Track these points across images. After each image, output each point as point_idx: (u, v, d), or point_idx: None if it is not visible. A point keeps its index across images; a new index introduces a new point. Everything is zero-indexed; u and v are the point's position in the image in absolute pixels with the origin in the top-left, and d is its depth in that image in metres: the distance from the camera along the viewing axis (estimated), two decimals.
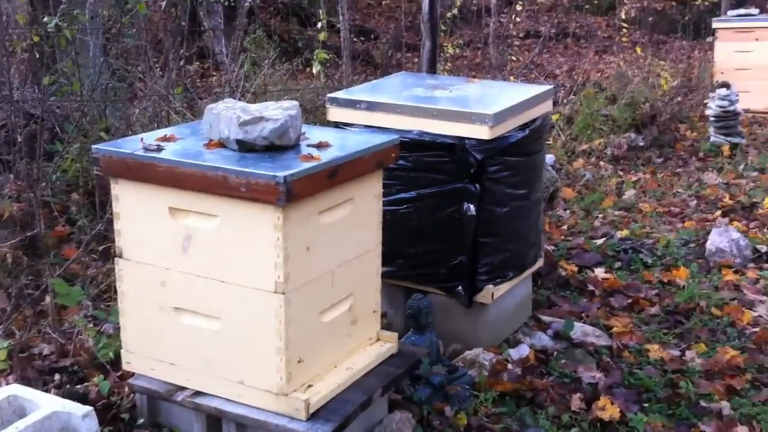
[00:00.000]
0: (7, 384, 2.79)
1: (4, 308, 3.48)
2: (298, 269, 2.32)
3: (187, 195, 2.34)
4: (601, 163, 6.35)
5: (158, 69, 5.55)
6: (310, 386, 2.43)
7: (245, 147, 2.38)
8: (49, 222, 4.20)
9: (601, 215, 5.21)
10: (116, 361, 2.83)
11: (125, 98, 4.92)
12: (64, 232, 4.15)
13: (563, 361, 3.29)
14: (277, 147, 2.41)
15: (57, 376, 2.97)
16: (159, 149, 2.38)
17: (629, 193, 5.64)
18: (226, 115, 2.39)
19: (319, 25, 6.02)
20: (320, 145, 2.46)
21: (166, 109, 4.86)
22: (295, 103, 2.49)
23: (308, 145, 2.46)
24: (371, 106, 3.25)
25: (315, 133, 2.60)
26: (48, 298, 3.30)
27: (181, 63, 5.93)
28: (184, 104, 5.06)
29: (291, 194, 2.18)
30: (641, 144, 6.77)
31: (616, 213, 5.27)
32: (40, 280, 3.59)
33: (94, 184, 4.27)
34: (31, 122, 4.54)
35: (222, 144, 2.43)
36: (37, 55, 4.88)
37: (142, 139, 2.45)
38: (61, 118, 4.96)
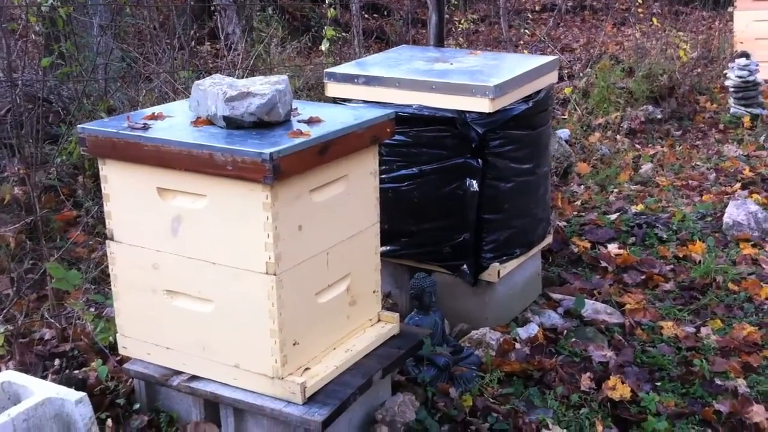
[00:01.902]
0: (7, 369, 2.77)
1: (7, 293, 3.45)
2: (289, 249, 2.25)
3: (175, 174, 2.27)
4: (618, 136, 6.22)
5: (168, 48, 5.49)
6: (306, 369, 2.37)
7: (233, 124, 2.31)
8: (56, 205, 4.17)
9: (616, 190, 5.09)
10: (115, 346, 2.78)
11: (130, 79, 4.86)
12: (70, 215, 4.13)
13: (573, 339, 3.21)
14: (266, 123, 2.33)
15: (57, 361, 2.94)
16: (145, 127, 2.31)
17: (646, 167, 5.51)
18: (213, 91, 2.32)
19: (327, 1, 5.90)
20: (311, 121, 2.37)
21: (172, 90, 4.80)
22: (284, 77, 2.41)
23: (299, 121, 2.38)
24: (369, 81, 3.16)
25: (307, 109, 2.52)
26: (49, 284, 3.27)
27: (192, 43, 5.87)
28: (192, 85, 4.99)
29: (278, 172, 2.11)
30: (659, 117, 6.62)
31: (632, 187, 5.15)
32: (42, 263, 3.56)
33: (98, 167, 4.22)
34: (36, 105, 4.50)
35: (210, 121, 2.36)
36: (38, 37, 4.84)
37: (128, 117, 2.38)
38: (67, 100, 4.92)
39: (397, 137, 3.03)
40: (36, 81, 4.70)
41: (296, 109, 2.52)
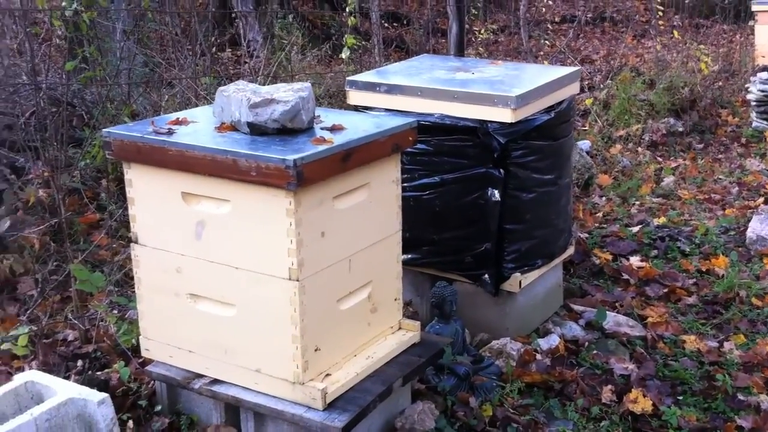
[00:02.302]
0: (30, 369, 2.77)
1: (32, 294, 3.48)
2: (312, 256, 2.24)
3: (199, 179, 2.28)
4: (639, 149, 6.19)
5: (189, 55, 5.53)
6: (327, 375, 2.37)
7: (256, 130, 2.31)
8: (80, 208, 4.20)
9: (638, 202, 5.06)
10: (137, 348, 2.79)
11: (152, 84, 4.89)
12: (93, 218, 4.15)
13: (594, 351, 3.18)
14: (289, 130, 2.33)
15: (79, 363, 2.95)
16: (170, 132, 2.32)
17: (668, 180, 5.48)
18: (237, 97, 2.33)
19: (348, 9, 5.92)
20: (334, 128, 2.38)
21: (194, 96, 4.83)
22: (308, 84, 2.41)
23: (322, 128, 2.38)
24: (391, 89, 3.16)
25: (330, 117, 2.52)
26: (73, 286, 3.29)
27: (213, 50, 5.90)
28: (214, 91, 5.02)
29: (302, 178, 2.11)
30: (680, 129, 6.58)
31: (654, 200, 5.12)
32: (66, 265, 3.58)
33: (122, 170, 4.25)
34: (60, 108, 4.54)
35: (234, 127, 2.37)
36: (63, 42, 4.88)
37: (153, 122, 2.39)
38: (91, 104, 4.96)
39: (418, 146, 3.02)
40: (60, 84, 4.74)
41: (319, 116, 2.52)
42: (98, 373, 2.85)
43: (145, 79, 5.02)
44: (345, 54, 5.74)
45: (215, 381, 2.45)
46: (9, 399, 2.35)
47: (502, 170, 3.04)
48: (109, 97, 4.65)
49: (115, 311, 3.22)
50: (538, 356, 3.09)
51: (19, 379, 2.43)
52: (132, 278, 3.42)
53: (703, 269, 3.96)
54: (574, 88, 3.32)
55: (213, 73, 5.33)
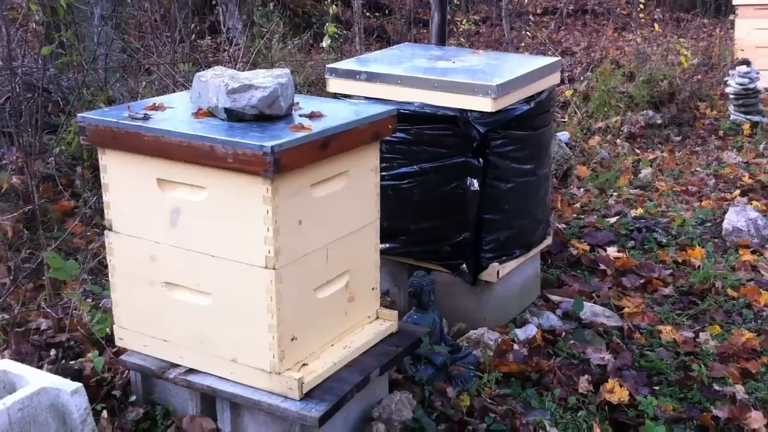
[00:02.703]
0: (2, 359, 2.74)
1: (4, 282, 3.43)
2: (289, 244, 2.22)
3: (175, 166, 2.25)
4: (618, 141, 6.21)
5: (168, 41, 5.47)
6: (304, 365, 2.35)
7: (234, 116, 2.28)
8: (54, 196, 4.15)
9: (615, 194, 5.08)
10: (112, 337, 2.76)
11: (130, 70, 4.84)
12: (68, 206, 4.10)
13: (571, 341, 3.19)
14: (267, 117, 2.31)
15: (53, 352, 2.92)
16: (146, 118, 2.29)
17: (645, 172, 5.50)
18: (215, 82, 2.30)
19: None
20: (313, 115, 2.35)
21: (173, 83, 4.78)
22: (287, 71, 2.39)
23: (301, 115, 2.36)
24: (371, 77, 3.14)
25: (309, 104, 2.50)
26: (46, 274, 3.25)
27: (193, 37, 5.84)
28: (192, 78, 4.97)
29: (279, 165, 2.08)
30: (659, 122, 6.61)
31: (632, 192, 5.13)
32: (39, 253, 3.54)
33: (97, 157, 4.20)
34: (36, 94, 4.48)
35: (211, 113, 2.34)
36: (40, 27, 4.82)
37: (129, 107, 2.36)
38: (67, 90, 4.89)
39: (398, 135, 3.01)
40: (36, 70, 4.67)
41: (298, 103, 2.49)
42: (72, 362, 2.81)
43: (122, 65, 4.96)
44: (326, 43, 5.71)
45: (191, 371, 2.42)
46: None
47: (481, 160, 3.03)
48: (86, 83, 4.59)
49: (89, 300, 3.18)
50: (516, 346, 3.09)
51: None
52: (106, 266, 3.40)
53: (680, 260, 3.98)
54: (554, 79, 3.32)
55: (192, 61, 5.28)
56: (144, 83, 4.92)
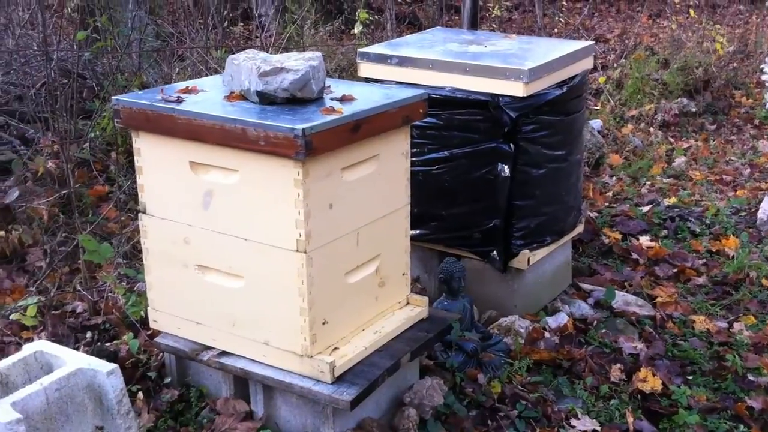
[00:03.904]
0: (39, 340, 2.77)
1: (40, 265, 3.47)
2: (320, 227, 2.23)
3: (208, 149, 2.25)
4: (651, 129, 6.13)
5: (201, 27, 5.49)
6: (335, 349, 2.36)
7: (266, 99, 2.29)
8: (89, 180, 4.19)
9: (648, 182, 5.02)
10: (146, 320, 2.78)
11: (163, 56, 4.86)
12: (102, 190, 4.14)
13: (603, 330, 3.17)
14: (299, 100, 2.31)
15: (88, 334, 2.95)
16: (179, 101, 2.30)
17: (679, 161, 5.43)
18: (247, 65, 2.30)
19: None
20: (344, 99, 2.35)
21: (205, 68, 4.80)
22: (318, 54, 2.38)
23: (332, 99, 2.36)
24: (402, 61, 3.12)
25: (340, 87, 2.49)
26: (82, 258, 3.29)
27: (225, 23, 5.86)
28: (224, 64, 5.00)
29: (310, 148, 2.08)
30: (693, 110, 6.51)
31: (665, 180, 5.07)
32: (75, 237, 3.58)
33: (131, 143, 4.23)
34: (71, 80, 4.53)
35: (243, 96, 2.34)
36: (75, 14, 4.86)
37: (162, 91, 2.37)
38: (102, 76, 4.94)
39: (428, 120, 3.00)
40: (71, 55, 4.71)
41: (329, 87, 2.49)
42: (107, 344, 2.85)
43: (155, 48, 4.98)
44: (357, 29, 5.69)
45: (224, 353, 2.44)
46: (18, 368, 2.34)
47: (512, 145, 3.01)
48: (120, 68, 4.63)
49: (124, 283, 3.21)
50: (547, 334, 3.08)
51: (28, 348, 2.42)
52: (140, 251, 3.43)
53: (713, 250, 3.93)
54: (587, 63, 3.28)
55: (224, 47, 5.29)
56: (177, 69, 4.94)
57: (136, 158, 2.43)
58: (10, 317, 2.97)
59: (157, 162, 2.38)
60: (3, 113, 4.55)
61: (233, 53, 4.99)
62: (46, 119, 4.35)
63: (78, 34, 4.09)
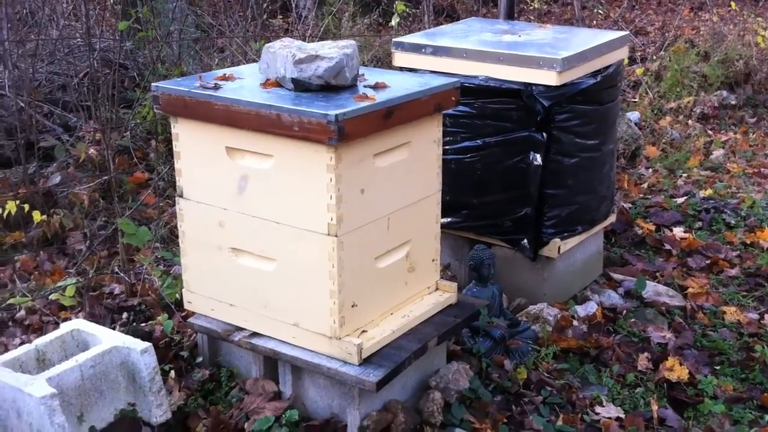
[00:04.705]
0: (76, 319, 2.88)
1: (80, 249, 3.58)
2: (351, 212, 2.28)
3: (244, 134, 2.32)
4: (689, 121, 6.08)
5: (241, 19, 5.57)
6: (364, 331, 2.41)
7: (300, 86, 2.34)
8: (128, 168, 4.30)
9: (684, 175, 4.99)
10: (181, 302, 2.86)
11: (203, 46, 4.95)
12: (142, 177, 4.24)
13: (632, 320, 3.18)
14: (333, 87, 2.36)
15: (124, 314, 3.05)
16: (216, 87, 2.36)
17: (717, 153, 5.38)
18: (282, 53, 2.36)
19: None
20: (377, 86, 2.39)
21: (244, 59, 4.87)
22: (352, 42, 2.43)
23: (365, 86, 2.40)
24: (437, 51, 3.16)
25: (373, 75, 2.54)
26: (120, 241, 3.39)
27: (264, 16, 5.93)
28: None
29: (343, 134, 2.13)
30: (733, 103, 6.44)
31: (702, 173, 5.03)
32: (114, 221, 3.69)
33: (171, 131, 4.33)
34: (113, 69, 4.63)
35: (278, 83, 2.40)
36: (117, 5, 4.96)
37: (200, 78, 2.44)
38: (142, 66, 5.04)
39: (461, 108, 3.03)
40: (113, 46, 4.82)
41: (363, 74, 2.54)
42: (142, 324, 2.94)
43: (195, 37, 5.08)
44: (394, 21, 5.73)
45: (255, 334, 2.50)
46: (55, 346, 2.44)
47: (545, 134, 3.03)
48: (160, 57, 4.72)
49: (161, 266, 3.30)
50: (575, 322, 3.10)
51: (65, 327, 2.52)
52: (177, 236, 3.52)
53: (748, 242, 3.91)
54: (622, 53, 3.28)
55: (263, 39, 5.37)
56: (216, 60, 5.03)
57: (174, 143, 2.50)
58: (50, 297, 3.07)
59: (195, 147, 2.45)
60: (47, 102, 4.68)
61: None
62: (89, 108, 4.47)
63: (120, 24, 4.19)
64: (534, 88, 2.98)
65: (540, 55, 2.97)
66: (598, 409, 2.66)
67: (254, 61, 4.66)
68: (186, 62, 4.84)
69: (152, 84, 2.46)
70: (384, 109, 2.27)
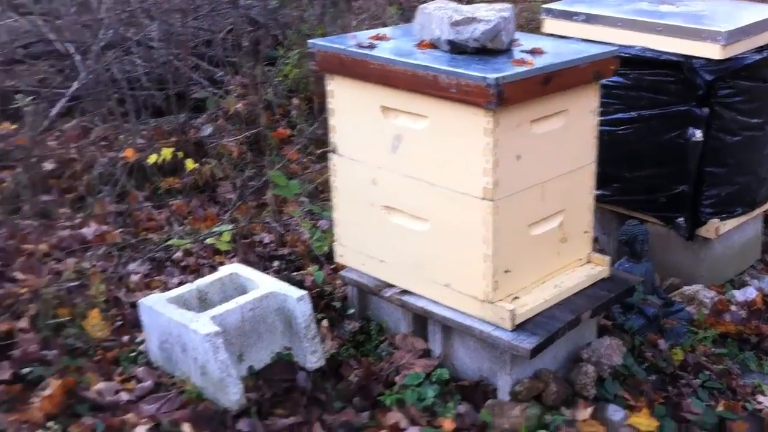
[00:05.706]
0: (233, 264, 2.93)
1: (230, 197, 3.69)
2: (507, 177, 2.22)
3: (398, 94, 2.30)
4: None
5: None
6: (516, 298, 2.36)
7: (456, 48, 2.30)
8: (272, 123, 4.39)
9: None
10: (329, 256, 2.90)
11: (343, 7, 4.98)
12: (284, 133, 4.33)
13: None
14: (488, 50, 2.31)
15: (276, 263, 3.11)
16: (371, 47, 2.36)
17: None
18: (438, 15, 2.32)
19: None
20: (534, 51, 2.33)
21: (382, 24, 4.89)
22: (510, 5, 2.37)
23: (521, 51, 2.34)
24: (589, 18, 3.06)
25: (529, 40, 2.47)
26: (269, 193, 3.46)
27: None
28: (398, 22, 5.07)
29: (502, 98, 2.08)
30: None
31: None
32: (262, 173, 3.77)
33: (312, 90, 4.41)
34: (255, 28, 4.74)
35: (433, 45, 2.37)
36: None
37: (354, 37, 2.45)
38: (284, 25, 5.14)
39: (615, 79, 2.93)
40: (256, 4, 4.94)
41: (518, 39, 2.47)
42: (294, 273, 2.97)
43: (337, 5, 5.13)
44: None
45: (405, 291, 2.50)
46: (216, 287, 2.52)
47: (705, 109, 2.88)
48: (303, 18, 4.80)
49: (307, 219, 3.34)
50: (733, 308, 2.94)
51: (224, 270, 2.60)
52: (322, 191, 3.55)
53: None
54: None
55: (396, 5, 5.37)
56: (354, 22, 5.05)
57: (328, 100, 2.51)
58: (205, 242, 3.16)
59: (349, 105, 2.46)
60: (193, 55, 4.83)
61: (404, 11, 5.05)
62: (233, 63, 4.59)
63: None
64: (695, 61, 2.84)
65: (703, 27, 2.83)
66: (760, 398, 2.53)
67: (384, 25, 4.69)
68: (328, 23, 4.90)
69: (309, 41, 2.48)
70: (542, 75, 2.20)
